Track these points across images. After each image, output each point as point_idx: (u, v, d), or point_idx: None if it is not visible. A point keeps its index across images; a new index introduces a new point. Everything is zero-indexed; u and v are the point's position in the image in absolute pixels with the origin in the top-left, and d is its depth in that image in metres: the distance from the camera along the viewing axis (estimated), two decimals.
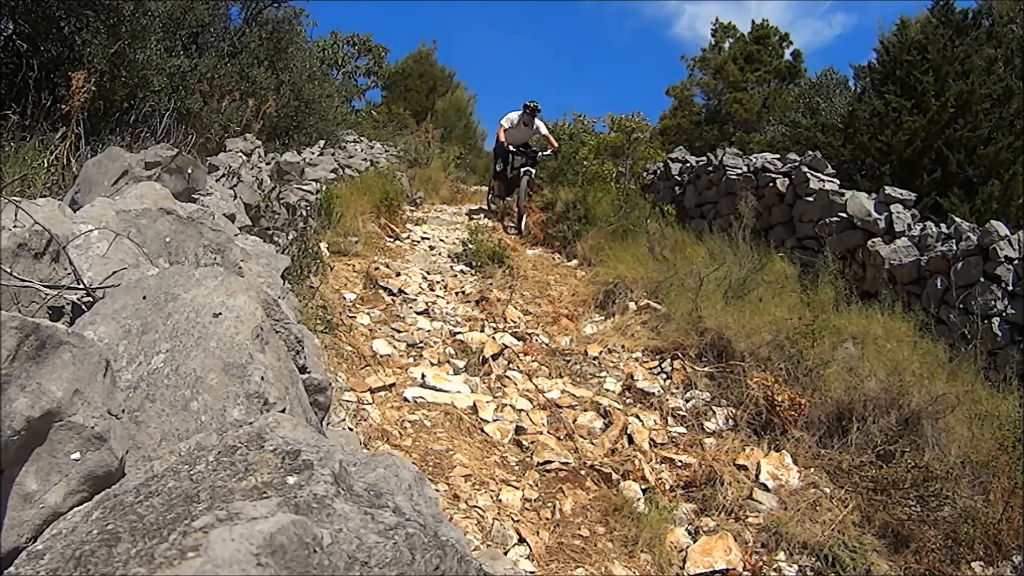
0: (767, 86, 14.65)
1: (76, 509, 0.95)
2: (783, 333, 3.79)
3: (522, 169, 7.74)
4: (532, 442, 3.07)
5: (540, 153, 8.17)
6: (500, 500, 2.61)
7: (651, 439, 3.23)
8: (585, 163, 8.61)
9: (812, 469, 3.03)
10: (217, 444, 1.02)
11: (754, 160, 6.76)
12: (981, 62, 6.53)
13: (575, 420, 3.32)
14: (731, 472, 2.94)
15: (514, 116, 8.03)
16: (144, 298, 1.42)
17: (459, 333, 4.19)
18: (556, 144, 8.35)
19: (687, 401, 3.59)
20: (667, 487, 2.89)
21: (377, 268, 5.13)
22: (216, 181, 3.83)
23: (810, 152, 6.16)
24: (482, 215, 8.63)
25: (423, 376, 3.49)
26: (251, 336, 1.36)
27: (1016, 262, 4.08)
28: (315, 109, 8.05)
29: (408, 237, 6.79)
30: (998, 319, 4.03)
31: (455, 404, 3.26)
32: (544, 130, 8.19)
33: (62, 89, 3.78)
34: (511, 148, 7.93)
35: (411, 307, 4.60)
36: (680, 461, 3.07)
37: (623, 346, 4.18)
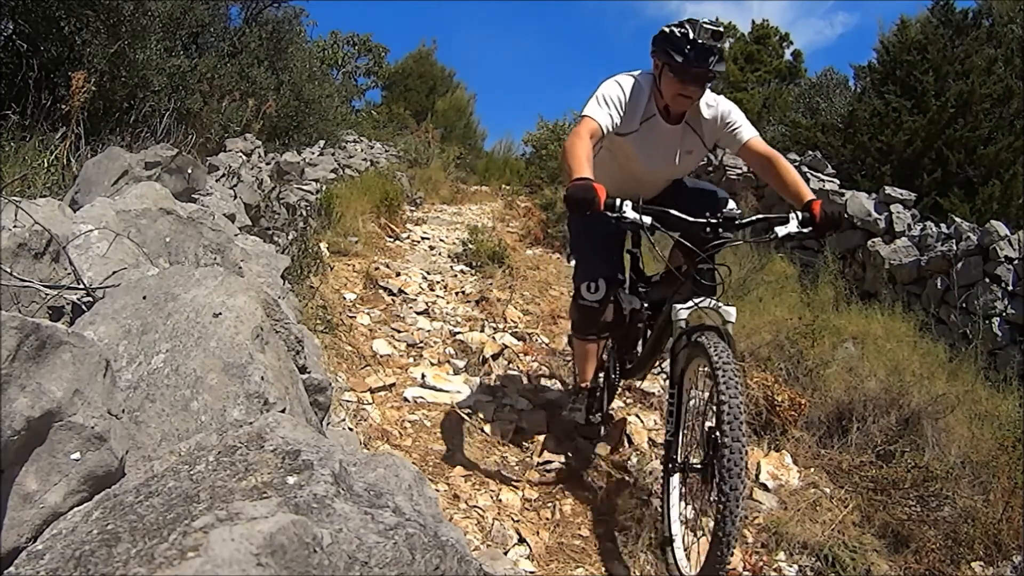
0: (767, 86, 14.63)
1: (76, 509, 0.95)
2: (783, 333, 3.79)
3: (677, 313, 2.08)
4: (532, 442, 3.07)
5: (773, 229, 2.23)
6: (500, 500, 2.61)
7: (650, 439, 3.23)
8: None
9: (812, 469, 3.03)
10: (217, 444, 1.02)
11: None
12: (981, 62, 6.53)
13: None
14: None
15: (626, 88, 2.20)
16: (144, 298, 1.42)
17: (459, 333, 4.19)
18: (803, 183, 2.28)
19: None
20: None
21: (377, 268, 5.13)
22: (216, 181, 3.84)
23: (810, 152, 6.17)
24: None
25: (423, 376, 3.49)
26: (251, 336, 1.36)
27: (1016, 262, 4.08)
28: (315, 109, 8.06)
29: (408, 237, 6.79)
30: (998, 319, 4.04)
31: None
32: (747, 130, 2.30)
33: (62, 89, 3.79)
34: (618, 210, 1.97)
35: (411, 307, 4.60)
36: None
37: None
